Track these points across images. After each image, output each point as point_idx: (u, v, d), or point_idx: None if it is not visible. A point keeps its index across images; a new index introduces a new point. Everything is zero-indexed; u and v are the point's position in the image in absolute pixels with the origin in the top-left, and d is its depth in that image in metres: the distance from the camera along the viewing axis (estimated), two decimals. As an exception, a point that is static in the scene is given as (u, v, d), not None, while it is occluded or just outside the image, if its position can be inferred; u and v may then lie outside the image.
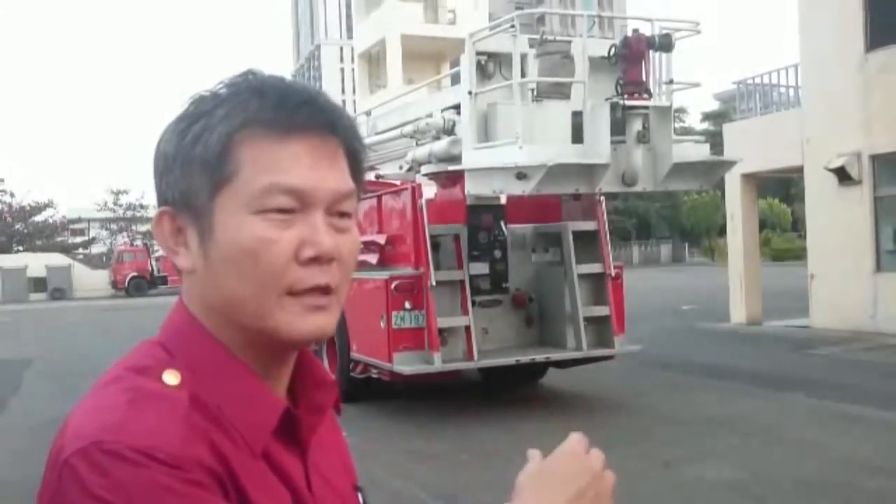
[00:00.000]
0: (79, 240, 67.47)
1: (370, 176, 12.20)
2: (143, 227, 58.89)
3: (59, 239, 61.52)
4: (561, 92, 8.37)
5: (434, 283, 8.37)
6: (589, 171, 7.95)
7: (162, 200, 0.92)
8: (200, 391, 0.86)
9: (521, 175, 7.70)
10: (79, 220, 66.43)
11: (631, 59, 7.94)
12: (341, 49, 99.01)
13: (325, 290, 0.89)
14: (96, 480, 0.76)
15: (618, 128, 7.90)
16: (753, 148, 15.80)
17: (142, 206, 60.09)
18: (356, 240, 0.93)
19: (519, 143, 7.87)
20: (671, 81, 8.57)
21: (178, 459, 0.78)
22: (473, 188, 8.50)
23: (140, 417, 0.80)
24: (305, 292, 0.88)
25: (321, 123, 0.90)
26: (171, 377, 0.86)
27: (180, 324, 0.92)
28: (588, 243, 9.20)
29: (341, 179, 0.91)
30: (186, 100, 0.93)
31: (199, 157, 0.88)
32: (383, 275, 8.73)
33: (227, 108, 0.88)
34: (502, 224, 9.21)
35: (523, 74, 8.33)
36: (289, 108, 0.88)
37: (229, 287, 0.88)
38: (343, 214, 0.91)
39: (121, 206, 62.98)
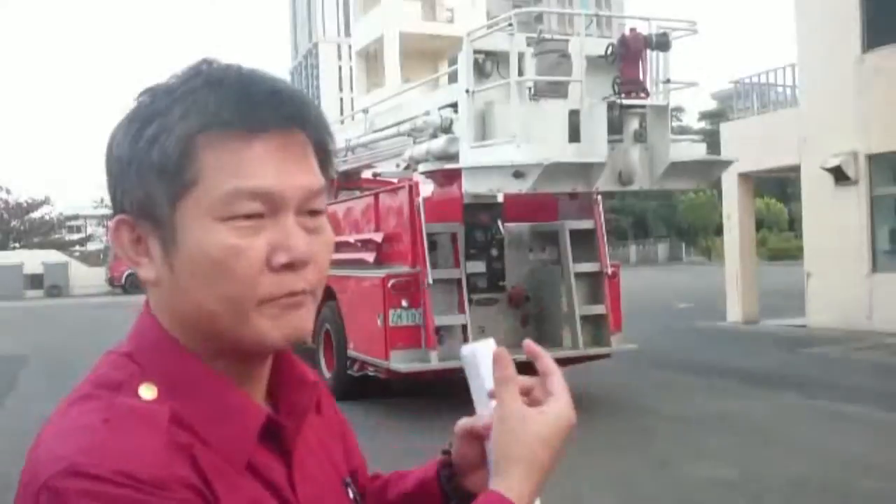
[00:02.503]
0: (75, 237, 67.45)
1: (367, 174, 12.23)
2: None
3: (55, 236, 61.49)
4: (558, 91, 8.37)
5: (431, 282, 8.36)
6: (586, 170, 7.95)
7: (118, 208, 0.86)
8: (177, 406, 0.82)
9: (519, 174, 7.70)
10: (75, 218, 66.41)
11: (628, 58, 7.94)
12: (339, 47, 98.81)
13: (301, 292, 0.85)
14: (76, 503, 0.73)
15: (615, 127, 7.91)
16: (750, 147, 15.81)
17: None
18: (330, 238, 0.89)
19: (516, 142, 7.87)
20: (668, 80, 8.57)
21: (161, 480, 0.75)
22: (471, 186, 8.49)
23: (119, 438, 0.77)
24: (281, 297, 0.84)
25: (286, 118, 0.84)
26: (147, 391, 0.82)
27: (149, 335, 0.88)
28: (585, 242, 9.20)
29: (311, 176, 0.86)
30: (136, 95, 0.87)
31: (156, 163, 0.82)
32: (380, 273, 8.73)
33: (183, 106, 0.82)
34: (499, 222, 9.20)
35: (521, 73, 8.33)
36: (250, 105, 0.82)
37: (198, 298, 0.83)
38: (314, 213, 0.87)
39: (117, 203, 62.91)
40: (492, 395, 0.94)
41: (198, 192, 0.81)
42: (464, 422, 1.00)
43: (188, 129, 0.81)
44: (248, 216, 0.82)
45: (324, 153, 0.89)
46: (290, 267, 0.83)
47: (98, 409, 0.80)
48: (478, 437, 0.98)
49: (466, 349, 0.99)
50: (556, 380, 0.94)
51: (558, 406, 0.92)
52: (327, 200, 0.91)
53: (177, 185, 0.82)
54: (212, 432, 0.83)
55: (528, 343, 0.97)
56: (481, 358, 0.97)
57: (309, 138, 0.87)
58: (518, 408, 0.91)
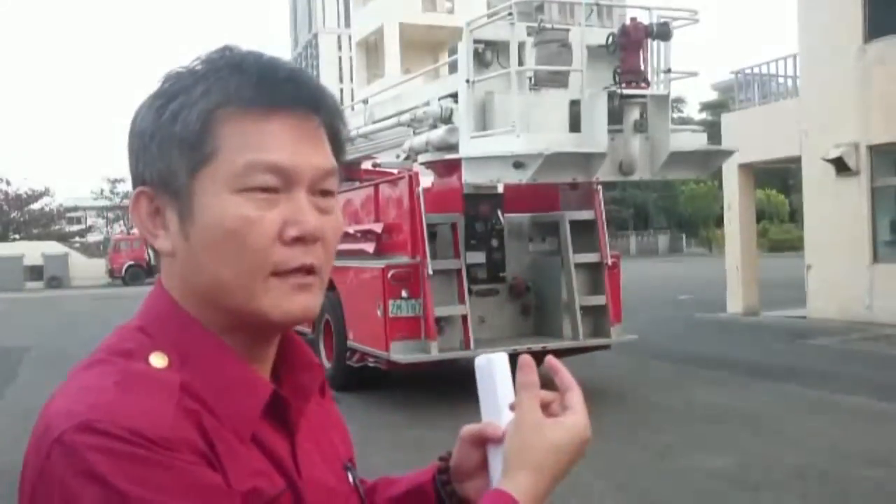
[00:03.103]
0: (75, 228, 67.45)
1: (367, 165, 12.20)
2: (140, 216, 58.68)
3: (55, 227, 61.46)
4: (558, 80, 8.34)
5: (431, 272, 8.35)
6: (586, 160, 7.93)
7: (139, 181, 0.90)
8: (187, 376, 0.85)
9: (519, 164, 7.68)
10: (75, 209, 66.41)
11: (629, 48, 7.91)
12: (339, 38, 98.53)
13: (309, 270, 0.88)
14: (87, 457, 0.75)
15: (615, 117, 7.88)
16: (751, 138, 15.79)
17: (138, 195, 60.03)
18: (339, 220, 0.93)
19: (516, 132, 7.85)
20: (669, 70, 8.53)
21: (169, 441, 0.78)
22: (471, 177, 8.48)
23: (130, 398, 0.80)
24: (290, 272, 0.87)
25: (303, 100, 0.88)
26: (158, 360, 0.85)
27: (161, 307, 0.91)
28: (585, 233, 9.19)
29: (324, 157, 0.90)
30: (161, 77, 0.91)
31: (177, 136, 0.86)
32: (380, 263, 8.72)
33: (206, 84, 0.86)
34: (499, 213, 9.19)
35: (521, 63, 8.30)
36: (270, 85, 0.86)
37: (212, 269, 0.86)
38: (326, 193, 0.90)
39: (117, 194, 62.96)
40: (513, 408, 0.97)
41: (216, 164, 0.85)
42: (469, 427, 1.03)
43: (209, 105, 0.85)
44: (263, 189, 0.85)
45: (336, 138, 0.93)
46: (301, 241, 0.87)
47: (111, 372, 0.83)
48: (481, 444, 1.01)
49: (482, 359, 1.01)
50: (575, 395, 0.97)
51: (574, 419, 0.95)
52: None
53: (196, 157, 0.85)
54: (219, 403, 0.85)
55: (550, 359, 1.01)
56: (496, 369, 1.00)
57: (323, 123, 0.91)
58: (536, 415, 0.95)
